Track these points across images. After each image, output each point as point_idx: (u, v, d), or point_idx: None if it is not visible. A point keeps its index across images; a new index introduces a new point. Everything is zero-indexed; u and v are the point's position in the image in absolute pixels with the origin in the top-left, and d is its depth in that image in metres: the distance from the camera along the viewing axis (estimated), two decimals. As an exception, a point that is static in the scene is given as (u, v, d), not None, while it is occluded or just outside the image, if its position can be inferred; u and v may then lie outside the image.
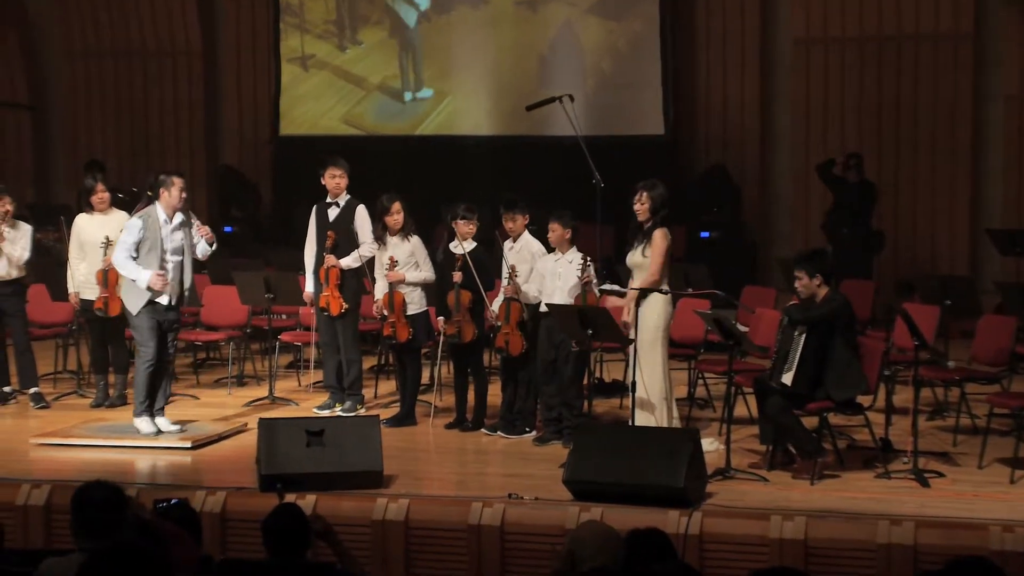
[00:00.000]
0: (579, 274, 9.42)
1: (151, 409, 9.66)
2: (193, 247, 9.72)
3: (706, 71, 16.68)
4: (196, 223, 9.79)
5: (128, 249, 9.50)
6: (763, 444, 9.00)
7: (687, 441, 7.91)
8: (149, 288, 9.43)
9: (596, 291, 9.46)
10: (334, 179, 10.54)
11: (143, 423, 9.62)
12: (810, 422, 8.81)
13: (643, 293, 8.99)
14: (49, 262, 13.29)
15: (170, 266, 9.56)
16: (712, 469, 8.35)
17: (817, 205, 15.82)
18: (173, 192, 9.55)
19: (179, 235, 9.63)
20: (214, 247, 9.89)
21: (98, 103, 18.50)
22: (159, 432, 9.62)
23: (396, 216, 10.26)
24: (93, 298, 10.87)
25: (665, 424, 9.01)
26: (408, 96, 17.20)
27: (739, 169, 16.42)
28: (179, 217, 9.61)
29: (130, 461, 9.19)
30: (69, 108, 18.59)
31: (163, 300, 9.54)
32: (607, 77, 16.51)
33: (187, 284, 9.69)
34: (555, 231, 9.71)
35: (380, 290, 10.34)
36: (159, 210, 9.56)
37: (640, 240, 9.16)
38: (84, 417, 10.50)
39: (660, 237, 9.09)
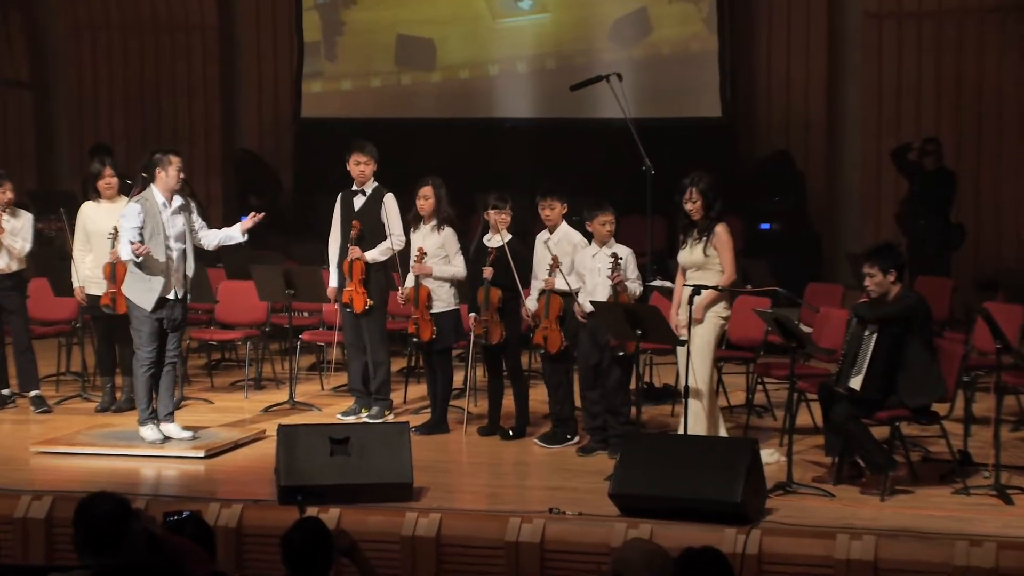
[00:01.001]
0: (608, 274, 9.39)
1: (156, 415, 9.70)
2: (195, 233, 9.71)
3: (767, 48, 16.62)
4: (250, 217, 9.82)
5: (133, 237, 9.40)
6: (828, 456, 8.97)
7: (745, 452, 7.89)
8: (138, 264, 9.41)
9: (632, 291, 9.43)
10: (359, 166, 10.54)
11: (148, 431, 9.66)
12: (880, 432, 8.76)
13: (696, 291, 8.96)
14: (51, 254, 13.38)
15: (175, 254, 9.55)
16: (772, 483, 8.32)
17: (889, 194, 15.74)
18: (170, 172, 9.54)
19: (180, 219, 9.62)
20: (244, 239, 9.88)
21: (105, 82, 18.60)
22: (166, 439, 9.66)
23: (422, 202, 10.27)
24: (99, 293, 10.90)
25: (721, 433, 8.97)
26: (438, 76, 17.22)
27: (803, 155, 16.35)
28: (178, 200, 9.62)
29: (138, 470, 9.24)
30: (74, 87, 18.70)
31: (170, 295, 9.55)
32: (659, 54, 16.47)
33: (189, 275, 9.70)
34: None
35: (409, 280, 10.36)
36: (156, 193, 9.56)
37: (699, 236, 9.12)
38: (89, 422, 10.56)
39: (725, 232, 9.09)
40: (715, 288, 8.98)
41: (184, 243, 9.63)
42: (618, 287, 9.39)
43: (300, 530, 5.69)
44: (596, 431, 9.66)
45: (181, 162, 9.61)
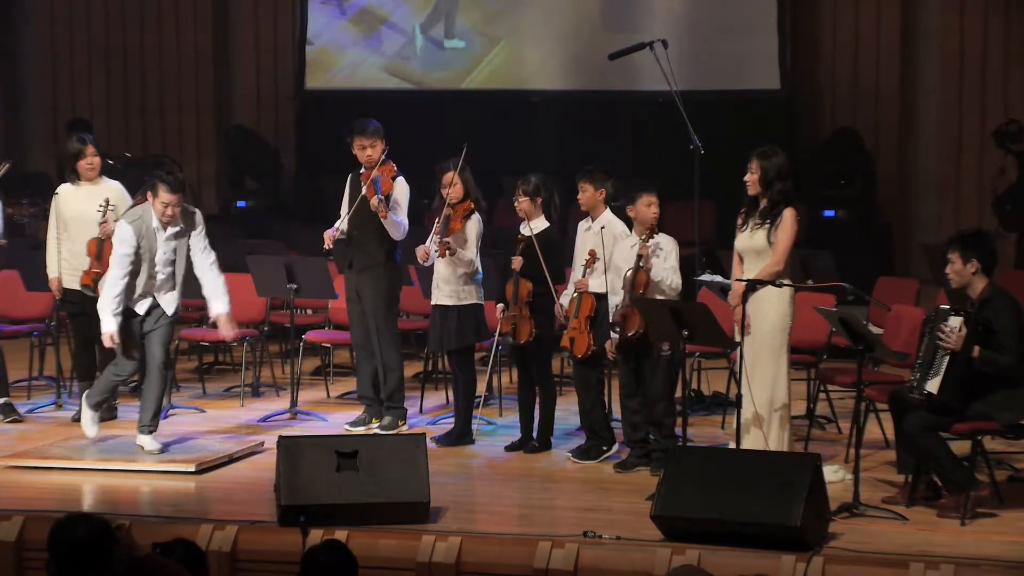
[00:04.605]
0: (629, 265, 9.39)
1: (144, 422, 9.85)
2: (187, 259, 9.81)
3: (833, 10, 16.59)
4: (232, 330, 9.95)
5: (125, 266, 9.62)
6: (900, 473, 8.95)
7: (806, 469, 7.87)
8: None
9: (665, 281, 9.41)
10: (364, 151, 10.57)
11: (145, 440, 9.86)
12: (961, 447, 8.74)
13: (751, 286, 8.95)
14: (22, 243, 13.41)
15: (159, 278, 9.74)
16: (836, 504, 8.31)
17: (971, 179, 15.71)
18: (156, 205, 9.65)
19: (172, 245, 9.76)
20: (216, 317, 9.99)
21: (82, 49, 18.66)
22: (163, 450, 9.79)
23: (450, 190, 10.27)
24: (77, 287, 10.93)
25: (778, 447, 8.97)
26: (455, 42, 17.24)
27: (873, 132, 16.32)
28: (175, 227, 9.74)
29: (120, 488, 9.28)
30: (46, 51, 18.74)
31: (139, 309, 9.74)
32: (710, 18, 16.45)
33: (170, 307, 9.77)
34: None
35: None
36: (153, 214, 9.70)
37: (762, 220, 9.09)
38: (65, 433, 10.60)
39: (791, 218, 9.06)
40: (775, 283, 8.95)
41: (172, 267, 9.79)
42: (642, 261, 9.35)
43: (326, 552, 5.87)
44: (637, 444, 9.66)
45: (176, 199, 9.59)
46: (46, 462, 9.69)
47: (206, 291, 9.93)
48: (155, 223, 9.69)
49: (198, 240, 9.84)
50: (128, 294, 9.70)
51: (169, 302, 9.81)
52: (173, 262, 9.78)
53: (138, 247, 9.64)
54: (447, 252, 10.12)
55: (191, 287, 10.01)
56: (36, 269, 11.47)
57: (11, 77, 18.86)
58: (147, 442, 9.80)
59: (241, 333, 11.97)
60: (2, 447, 10.23)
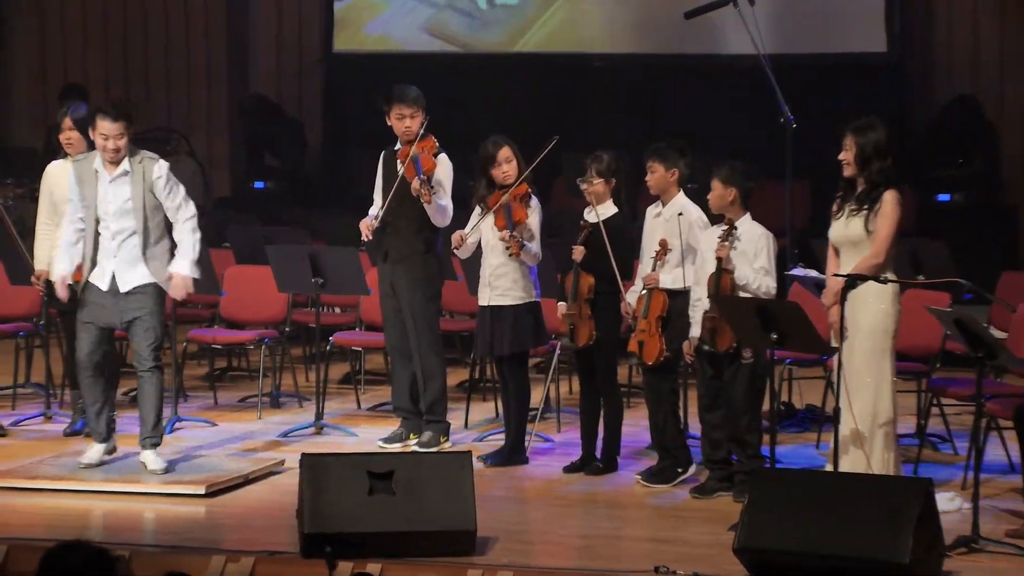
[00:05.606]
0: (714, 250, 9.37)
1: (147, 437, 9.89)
2: (166, 230, 9.82)
3: (948, -40, 16.54)
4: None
5: (73, 209, 9.83)
6: (1028, 502, 8.92)
7: (915, 496, 7.84)
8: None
9: (754, 283, 9.39)
10: (403, 121, 10.59)
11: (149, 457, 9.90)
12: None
13: (850, 282, 8.91)
14: (4, 230, 13.44)
15: (108, 236, 9.76)
16: (952, 537, 8.27)
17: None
18: (97, 139, 9.72)
19: (123, 194, 9.76)
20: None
21: (76, 8, 18.74)
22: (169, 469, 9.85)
23: (506, 168, 10.27)
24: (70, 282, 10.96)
25: (882, 470, 8.94)
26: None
27: (996, 102, 16.25)
28: (122, 167, 9.75)
29: (120, 513, 9.32)
30: (36, 18, 18.84)
31: (100, 283, 9.77)
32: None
33: (132, 283, 9.78)
34: (716, 191, 9.68)
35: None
36: (98, 157, 9.78)
37: (859, 205, 9.05)
38: (55, 449, 10.67)
39: (892, 202, 8.98)
40: (878, 279, 8.92)
41: (134, 222, 9.75)
42: (723, 263, 9.32)
43: None
44: (717, 465, 9.65)
45: (117, 128, 9.62)
46: (33, 483, 9.73)
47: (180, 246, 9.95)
48: (98, 164, 9.73)
49: (164, 192, 9.79)
50: (87, 263, 9.79)
51: (140, 277, 9.78)
52: (131, 214, 9.76)
53: (79, 194, 9.76)
54: (520, 250, 10.09)
55: (198, 284, 10.05)
56: (21, 259, 11.47)
57: (-1, 44, 18.99)
58: (150, 459, 9.84)
59: (260, 334, 12.05)
60: (-17, 465, 10.31)
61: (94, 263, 9.81)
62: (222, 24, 18.41)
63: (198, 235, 9.90)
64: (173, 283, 9.86)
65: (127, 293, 9.79)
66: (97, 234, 9.80)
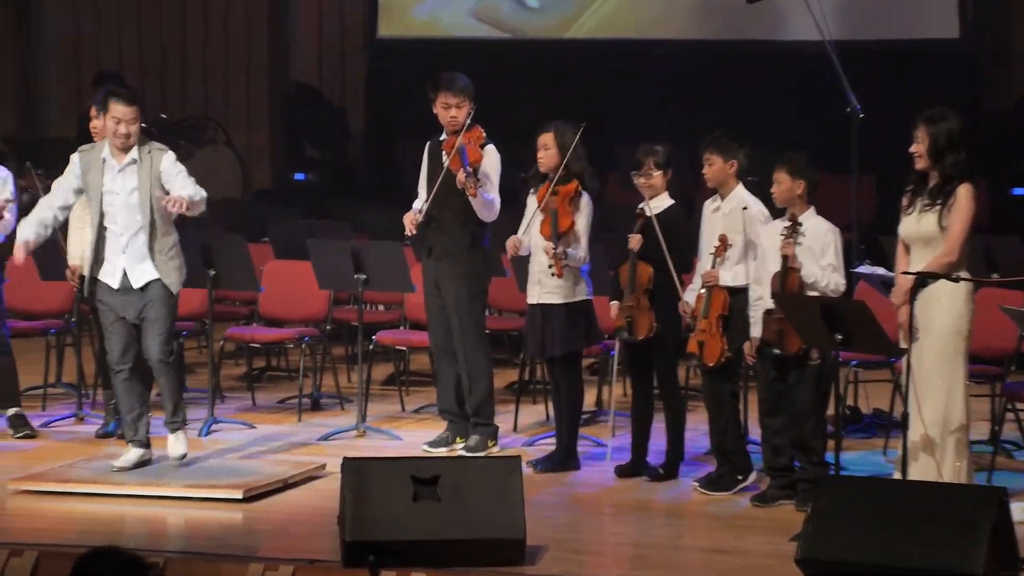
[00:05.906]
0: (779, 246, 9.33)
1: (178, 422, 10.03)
2: (163, 199, 9.77)
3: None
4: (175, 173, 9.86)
5: (62, 195, 9.92)
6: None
7: (989, 506, 7.81)
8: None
9: (822, 281, 9.37)
10: (449, 111, 10.61)
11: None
12: None
13: (921, 280, 8.88)
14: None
15: (116, 232, 9.80)
16: (1028, 549, 8.24)
17: None
18: (108, 123, 9.77)
19: (130, 184, 9.80)
20: (195, 214, 9.97)
21: (111, -3, 18.84)
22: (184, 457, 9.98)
23: (542, 154, 10.27)
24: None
25: (954, 478, 8.91)
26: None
27: (1075, 92, 16.19)
28: (131, 155, 9.79)
29: (154, 518, 9.37)
30: (69, 6, 18.92)
31: (111, 281, 9.83)
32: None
33: (142, 279, 9.80)
34: (782, 184, 9.65)
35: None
36: (107, 146, 9.84)
37: (929, 199, 9.02)
38: (87, 452, 10.72)
39: (967, 197, 8.94)
40: (950, 277, 8.88)
41: (141, 216, 9.76)
42: (789, 261, 9.28)
43: None
44: (778, 473, 9.63)
45: (131, 112, 9.68)
46: (65, 486, 9.77)
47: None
48: (106, 153, 9.78)
49: (173, 176, 9.79)
50: (93, 259, 9.84)
51: (149, 273, 9.80)
52: (140, 216, 9.78)
53: (84, 183, 9.82)
54: (562, 271, 10.07)
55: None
56: (53, 254, 11.47)
57: (31, 32, 19.00)
58: (170, 441, 9.97)
59: (300, 332, 12.07)
60: (12, 468, 10.33)
61: (100, 260, 9.86)
62: (263, 9, 18.43)
63: (203, 195, 9.87)
64: (171, 197, 9.75)
65: (140, 289, 9.85)
66: (103, 229, 9.84)
